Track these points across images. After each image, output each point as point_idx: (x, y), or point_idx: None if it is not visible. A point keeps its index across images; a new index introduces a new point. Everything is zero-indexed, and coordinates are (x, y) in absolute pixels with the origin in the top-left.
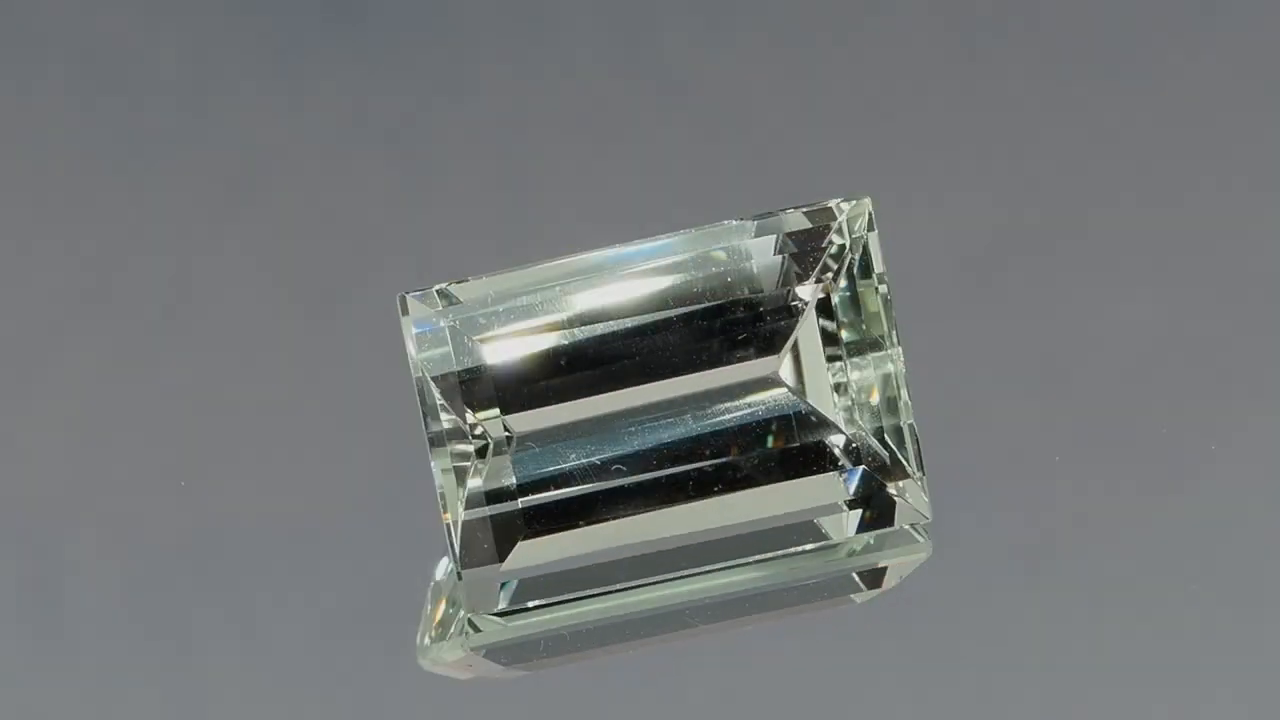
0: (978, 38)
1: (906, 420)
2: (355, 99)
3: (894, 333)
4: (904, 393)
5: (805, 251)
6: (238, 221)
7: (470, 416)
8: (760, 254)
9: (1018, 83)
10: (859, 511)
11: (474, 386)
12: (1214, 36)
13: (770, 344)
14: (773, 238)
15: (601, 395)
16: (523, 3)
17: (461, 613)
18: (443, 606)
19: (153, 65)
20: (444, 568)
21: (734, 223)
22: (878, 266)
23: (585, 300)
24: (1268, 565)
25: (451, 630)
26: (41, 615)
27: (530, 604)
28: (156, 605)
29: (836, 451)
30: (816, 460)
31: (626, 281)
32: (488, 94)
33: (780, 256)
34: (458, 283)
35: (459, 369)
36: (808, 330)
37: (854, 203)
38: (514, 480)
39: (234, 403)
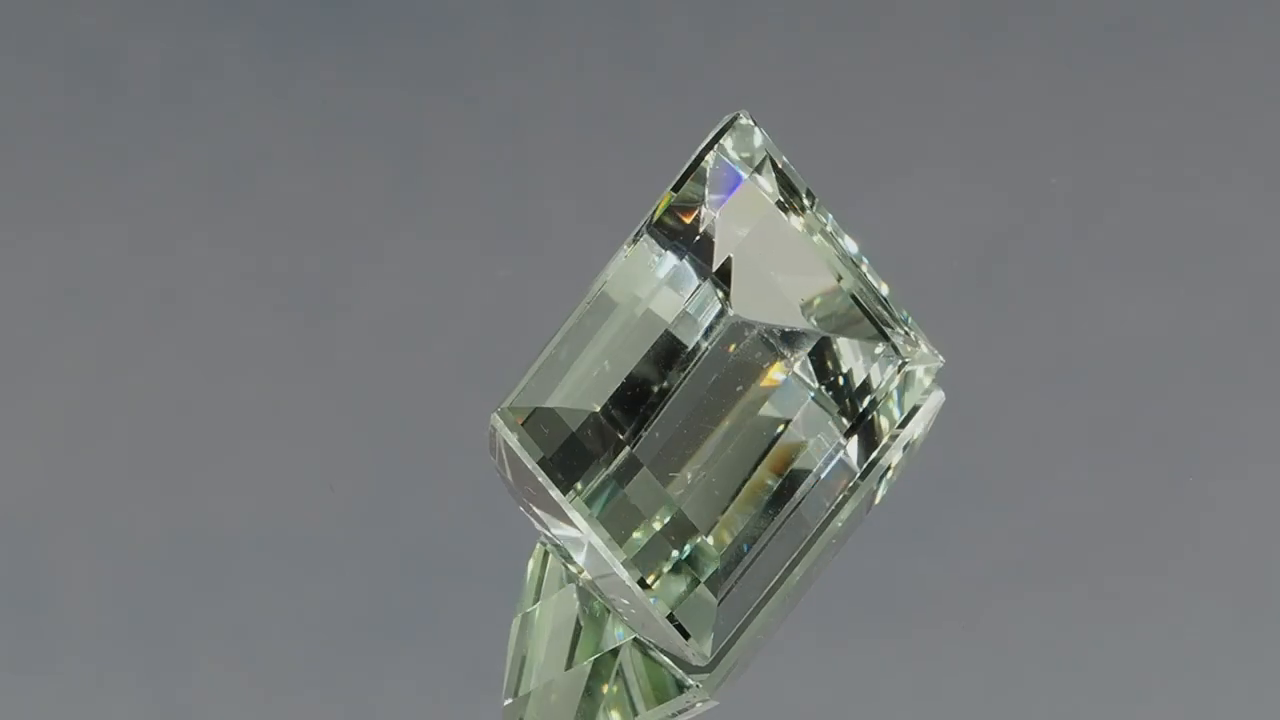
0: (981, 34)
1: (863, 278)
2: (349, 97)
3: (813, 197)
4: (848, 242)
5: (695, 183)
6: (227, 221)
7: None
8: (663, 252)
9: (1021, 80)
10: (890, 394)
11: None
12: (1220, 33)
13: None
14: (651, 218)
15: (663, 415)
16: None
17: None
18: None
19: (142, 63)
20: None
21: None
22: (768, 149)
23: (596, 343)
24: (1270, 562)
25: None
26: (30, 617)
27: (744, 617)
28: (144, 608)
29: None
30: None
31: (614, 310)
32: (484, 91)
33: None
34: (524, 394)
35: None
36: (744, 262)
37: (729, 129)
38: (670, 505)
39: (223, 404)
